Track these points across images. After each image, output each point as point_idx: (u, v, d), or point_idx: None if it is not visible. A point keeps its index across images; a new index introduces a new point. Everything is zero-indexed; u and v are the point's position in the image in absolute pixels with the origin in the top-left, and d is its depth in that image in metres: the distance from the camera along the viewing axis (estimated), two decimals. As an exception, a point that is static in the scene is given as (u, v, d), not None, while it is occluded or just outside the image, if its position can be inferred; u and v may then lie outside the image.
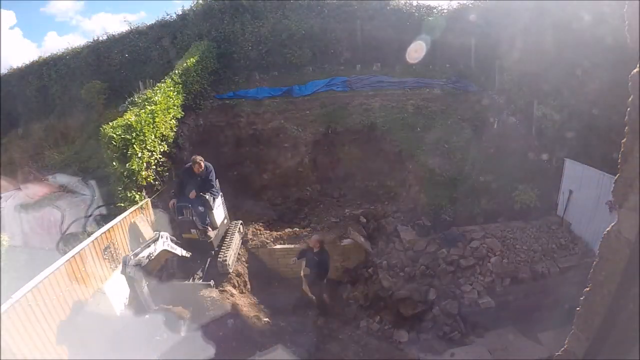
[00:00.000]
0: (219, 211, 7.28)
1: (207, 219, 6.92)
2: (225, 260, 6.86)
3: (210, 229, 6.93)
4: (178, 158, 9.57)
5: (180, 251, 6.43)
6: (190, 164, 6.98)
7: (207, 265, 6.98)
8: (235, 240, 7.51)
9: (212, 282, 6.66)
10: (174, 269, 6.85)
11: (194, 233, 6.65)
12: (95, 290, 5.93)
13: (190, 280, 6.69)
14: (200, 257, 6.97)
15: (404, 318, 6.85)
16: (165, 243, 6.00)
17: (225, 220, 7.67)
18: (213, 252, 7.08)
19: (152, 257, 5.64)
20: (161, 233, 6.00)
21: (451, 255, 7.29)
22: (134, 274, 5.24)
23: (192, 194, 6.63)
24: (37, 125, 14.21)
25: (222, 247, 7.16)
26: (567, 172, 7.82)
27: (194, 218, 6.54)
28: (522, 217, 8.14)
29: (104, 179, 9.94)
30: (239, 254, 7.65)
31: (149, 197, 8.11)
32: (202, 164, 6.86)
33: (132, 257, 5.23)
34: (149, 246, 5.61)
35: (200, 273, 6.82)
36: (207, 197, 6.76)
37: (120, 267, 5.88)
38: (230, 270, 6.97)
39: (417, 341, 6.58)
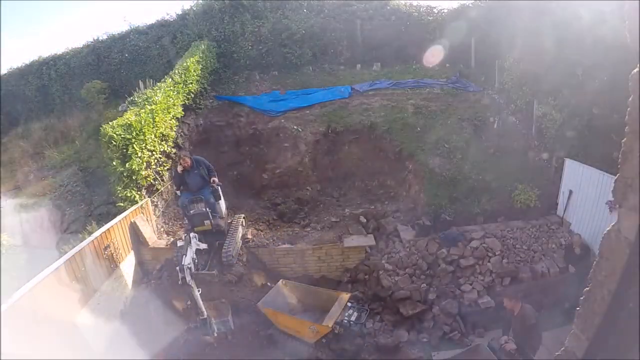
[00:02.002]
0: (222, 201, 7.49)
1: (216, 208, 7.15)
2: (229, 252, 7.00)
3: (218, 217, 7.14)
4: (178, 158, 9.58)
5: (202, 246, 6.71)
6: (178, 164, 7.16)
7: (211, 256, 7.14)
8: (238, 234, 7.66)
9: (215, 272, 6.83)
10: (180, 260, 6.96)
11: (207, 224, 6.79)
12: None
13: (194, 270, 6.76)
14: (207, 248, 7.18)
15: (404, 318, 6.85)
16: (196, 243, 6.32)
17: (226, 214, 7.85)
18: (219, 241, 7.26)
19: (195, 260, 6.00)
20: (190, 235, 6.25)
21: (451, 255, 7.29)
22: (192, 282, 5.54)
23: (215, 180, 6.98)
24: (37, 124, 14.21)
25: (225, 240, 7.26)
26: (567, 172, 7.82)
27: (207, 209, 6.73)
28: (522, 216, 8.14)
29: (104, 178, 9.95)
30: (240, 253, 7.69)
31: (148, 197, 8.12)
32: (187, 159, 7.01)
33: (186, 268, 5.51)
34: (187, 252, 5.86)
35: (205, 263, 7.00)
36: (216, 186, 7.07)
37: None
38: (234, 262, 7.15)
39: (416, 341, 6.58)
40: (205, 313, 5.78)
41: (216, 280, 6.82)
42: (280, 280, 7.11)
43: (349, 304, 6.22)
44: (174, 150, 9.14)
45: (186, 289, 5.64)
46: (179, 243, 6.52)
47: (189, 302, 5.85)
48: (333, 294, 6.53)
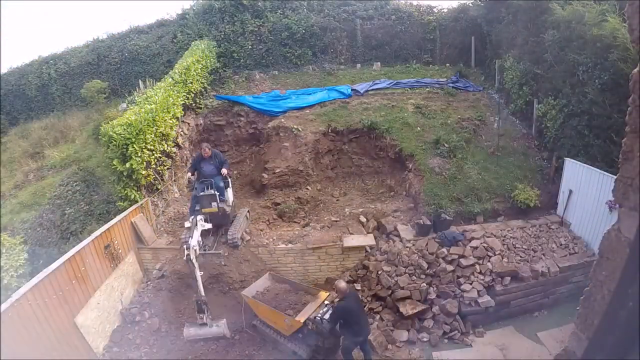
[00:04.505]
0: (230, 192, 8.09)
1: (225, 195, 7.77)
2: (235, 234, 7.60)
3: (226, 204, 7.72)
4: (178, 157, 9.58)
5: (207, 226, 7.21)
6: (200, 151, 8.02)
7: (217, 238, 7.74)
8: (243, 223, 8.18)
9: (222, 252, 7.43)
10: (187, 241, 7.35)
11: (214, 206, 7.22)
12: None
13: (202, 250, 7.29)
14: (213, 230, 7.79)
15: (403, 317, 6.85)
16: (202, 224, 6.80)
17: (233, 203, 8.37)
18: (228, 224, 7.85)
19: (199, 241, 6.42)
20: (197, 217, 6.75)
21: (451, 255, 7.28)
22: (195, 262, 5.88)
23: (224, 172, 7.71)
24: (37, 124, 14.22)
25: (232, 226, 7.82)
26: (567, 172, 7.82)
27: (215, 193, 7.22)
28: (522, 216, 8.15)
29: (104, 177, 9.95)
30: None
31: (148, 197, 8.13)
32: (209, 150, 7.82)
33: (191, 247, 5.93)
34: (194, 233, 6.32)
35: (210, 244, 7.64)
36: (227, 177, 7.79)
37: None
38: (239, 244, 7.70)
39: (417, 341, 6.59)
40: (203, 295, 6.03)
41: (222, 259, 7.42)
42: (268, 273, 7.34)
43: (325, 302, 6.27)
44: (174, 150, 9.14)
45: (190, 267, 5.95)
46: (187, 224, 6.91)
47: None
48: (313, 291, 6.63)
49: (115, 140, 7.29)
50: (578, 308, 1.88)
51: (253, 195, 10.40)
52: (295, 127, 10.47)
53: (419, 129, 10.13)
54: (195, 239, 6.14)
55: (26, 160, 12.16)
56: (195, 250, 6.00)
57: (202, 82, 11.18)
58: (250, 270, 7.58)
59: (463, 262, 7.14)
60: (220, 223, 7.80)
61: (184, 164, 9.82)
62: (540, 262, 7.05)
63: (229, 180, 8.08)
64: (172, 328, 6.76)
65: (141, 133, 7.65)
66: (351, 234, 8.24)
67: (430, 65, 13.35)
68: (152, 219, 8.19)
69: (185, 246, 6.07)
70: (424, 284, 7.06)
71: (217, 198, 7.22)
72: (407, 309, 6.85)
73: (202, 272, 6.15)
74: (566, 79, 8.01)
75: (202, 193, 7.22)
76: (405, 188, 9.56)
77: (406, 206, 8.98)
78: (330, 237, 8.13)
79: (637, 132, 1.50)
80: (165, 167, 8.73)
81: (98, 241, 6.41)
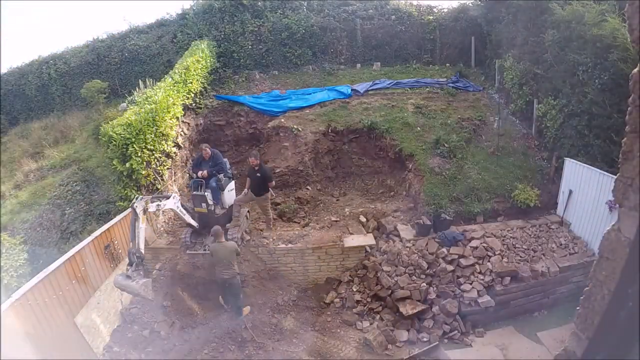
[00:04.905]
0: (230, 195, 8.04)
1: (219, 197, 7.77)
2: (234, 235, 7.59)
3: (219, 207, 7.76)
4: (178, 157, 9.57)
5: (188, 218, 7.28)
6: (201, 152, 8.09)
7: None
8: (243, 224, 8.13)
9: None
10: (187, 240, 7.57)
11: (203, 207, 7.37)
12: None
13: (202, 250, 7.50)
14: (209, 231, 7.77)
15: (403, 317, 6.86)
16: (175, 204, 6.70)
17: (239, 208, 8.25)
18: (226, 227, 7.74)
19: (160, 209, 6.34)
20: (174, 194, 6.76)
21: (451, 255, 7.29)
22: (139, 211, 5.61)
23: (204, 173, 7.63)
24: (37, 124, 14.23)
25: (231, 227, 7.80)
26: (567, 172, 7.83)
27: (206, 194, 7.32)
28: (522, 216, 8.15)
29: (104, 177, 9.96)
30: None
31: (149, 196, 8.12)
32: (208, 150, 7.95)
33: (143, 198, 5.81)
34: (161, 200, 6.29)
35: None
36: (221, 176, 7.78)
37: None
38: (238, 244, 7.59)
39: (417, 341, 6.59)
40: (139, 250, 5.49)
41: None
42: None
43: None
44: (174, 150, 9.14)
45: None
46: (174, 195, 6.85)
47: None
48: None
49: (115, 140, 7.29)
50: (578, 308, 1.87)
51: (253, 195, 10.39)
52: (295, 127, 10.47)
53: (419, 129, 10.13)
54: (155, 203, 6.08)
55: (26, 160, 12.16)
56: (148, 208, 5.78)
57: (202, 82, 11.18)
58: (250, 270, 7.59)
59: (463, 262, 7.15)
60: (211, 225, 7.56)
61: (184, 164, 9.82)
62: (540, 262, 7.06)
63: (228, 182, 8.00)
64: (172, 328, 6.76)
65: (141, 133, 7.65)
66: (351, 234, 8.24)
67: (430, 65, 13.36)
68: (152, 219, 8.18)
69: (144, 200, 5.76)
70: (424, 284, 7.07)
71: (207, 200, 7.31)
72: (407, 309, 6.86)
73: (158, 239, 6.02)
74: (566, 79, 8.01)
75: (194, 192, 7.45)
76: (405, 188, 9.56)
77: (406, 206, 8.98)
78: (330, 237, 8.13)
79: (637, 132, 1.49)
80: (165, 167, 8.73)
81: (98, 241, 6.41)
